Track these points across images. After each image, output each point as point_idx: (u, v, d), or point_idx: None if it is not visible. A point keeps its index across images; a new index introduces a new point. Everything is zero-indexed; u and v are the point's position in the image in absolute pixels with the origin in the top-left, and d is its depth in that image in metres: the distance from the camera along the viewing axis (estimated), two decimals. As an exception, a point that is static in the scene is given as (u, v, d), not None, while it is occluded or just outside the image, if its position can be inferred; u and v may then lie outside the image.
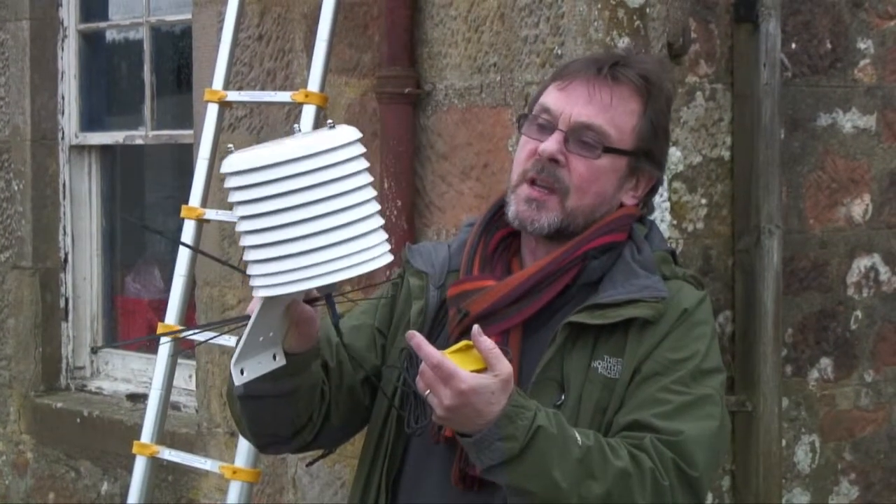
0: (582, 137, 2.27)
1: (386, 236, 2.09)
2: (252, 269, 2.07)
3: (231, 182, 2.04)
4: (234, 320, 2.27)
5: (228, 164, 2.03)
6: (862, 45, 4.04)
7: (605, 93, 2.29)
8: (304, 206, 2.00)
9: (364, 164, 2.05)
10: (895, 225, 4.14)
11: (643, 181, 2.35)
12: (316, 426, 2.33)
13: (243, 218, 2.04)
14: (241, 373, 2.13)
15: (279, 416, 2.27)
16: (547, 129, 2.30)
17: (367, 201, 2.05)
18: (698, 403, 2.19)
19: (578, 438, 2.10)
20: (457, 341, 2.17)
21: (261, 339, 2.13)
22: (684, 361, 2.21)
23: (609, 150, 2.28)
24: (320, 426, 2.34)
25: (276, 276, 2.03)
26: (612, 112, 2.29)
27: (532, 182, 2.28)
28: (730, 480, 3.77)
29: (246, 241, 2.05)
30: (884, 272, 4.12)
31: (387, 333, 2.40)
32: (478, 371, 2.06)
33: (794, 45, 3.88)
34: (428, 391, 2.06)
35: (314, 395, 2.29)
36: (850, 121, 4.03)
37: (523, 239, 2.37)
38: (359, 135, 2.06)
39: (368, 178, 2.06)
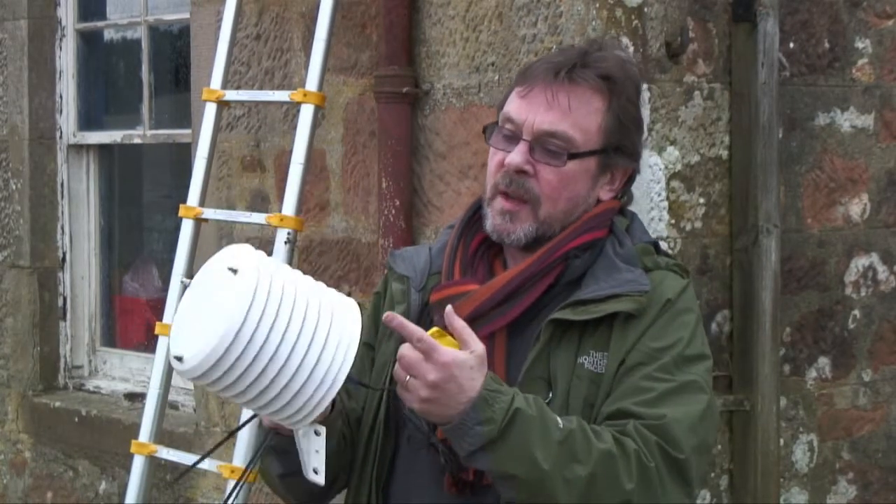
0: (546, 146, 2.26)
1: (344, 301, 2.11)
2: (270, 417, 2.12)
3: (197, 382, 2.06)
4: (242, 426, 2.33)
5: (184, 373, 2.04)
6: (860, 45, 4.04)
7: (563, 97, 2.27)
8: (273, 359, 2.01)
9: (281, 276, 2.05)
10: (893, 224, 4.14)
11: (618, 174, 2.35)
12: (346, 468, 2.37)
13: (233, 397, 2.06)
14: (316, 473, 2.16)
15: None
16: (512, 139, 2.29)
17: (311, 297, 2.06)
18: (682, 389, 2.18)
19: (560, 422, 2.10)
20: None
21: (301, 434, 2.17)
22: (667, 349, 2.21)
23: (574, 155, 2.27)
24: (348, 467, 2.38)
25: (295, 414, 2.07)
26: (573, 116, 2.27)
27: (504, 194, 2.28)
28: (728, 479, 3.77)
29: (248, 406, 2.09)
30: (882, 271, 4.13)
31: (374, 345, 2.40)
32: None
33: (792, 45, 3.88)
34: (408, 377, 2.06)
35: (341, 446, 2.32)
36: (848, 120, 4.03)
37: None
38: (258, 261, 2.05)
39: (294, 281, 2.07)
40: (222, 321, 2.00)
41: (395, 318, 2.09)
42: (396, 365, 2.09)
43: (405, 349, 2.07)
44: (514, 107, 2.30)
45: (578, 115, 2.27)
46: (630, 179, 2.38)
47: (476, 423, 2.05)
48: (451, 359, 2.05)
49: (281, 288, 2.04)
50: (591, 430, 2.12)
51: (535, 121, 2.27)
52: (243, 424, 2.35)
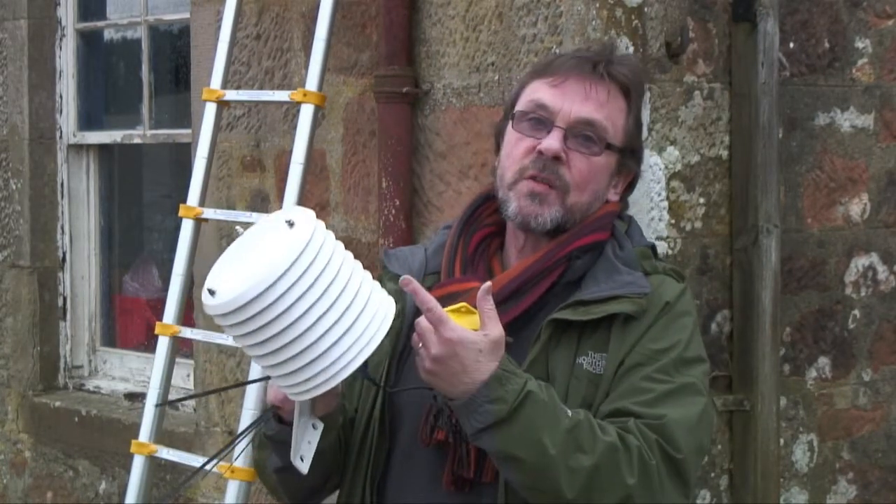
0: (584, 132, 2.29)
1: (383, 291, 2.10)
2: (278, 381, 2.09)
3: (222, 322, 2.03)
4: (238, 385, 2.30)
5: (213, 308, 2.02)
6: (860, 45, 4.04)
7: (601, 90, 2.30)
8: (304, 316, 1.99)
9: (332, 242, 2.05)
10: (893, 224, 4.14)
11: (623, 177, 2.38)
12: (340, 468, 2.37)
13: (249, 347, 2.03)
14: (302, 460, 2.16)
15: (315, 474, 2.28)
16: (543, 125, 2.30)
17: (354, 274, 2.05)
18: (680, 391, 2.20)
19: (568, 411, 2.11)
20: None
21: (301, 419, 2.17)
22: (666, 351, 2.22)
23: (609, 146, 2.30)
24: (341, 467, 2.38)
25: (304, 383, 2.05)
26: (608, 109, 2.30)
27: (532, 178, 2.29)
28: (728, 479, 3.77)
29: (261, 362, 2.06)
30: (882, 271, 4.13)
31: None
32: None
33: (791, 45, 3.88)
34: (420, 344, 2.07)
35: (338, 445, 2.33)
36: (848, 120, 4.03)
37: (509, 237, 2.37)
38: (316, 221, 2.05)
39: (343, 253, 2.06)
40: (267, 265, 1.98)
41: (410, 282, 2.09)
42: (414, 335, 2.10)
43: (421, 317, 2.08)
44: (548, 95, 2.31)
45: (611, 110, 2.31)
46: (632, 184, 2.41)
47: (487, 402, 2.06)
48: (458, 337, 2.05)
49: (331, 251, 2.03)
50: (597, 422, 2.13)
51: (571, 109, 2.28)
52: (248, 382, 2.32)
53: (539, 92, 2.32)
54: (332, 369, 2.04)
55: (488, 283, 2.11)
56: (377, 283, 2.12)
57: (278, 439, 2.26)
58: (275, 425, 2.26)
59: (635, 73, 2.36)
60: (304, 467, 2.17)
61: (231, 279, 2.02)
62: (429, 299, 2.07)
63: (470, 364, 2.06)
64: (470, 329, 2.08)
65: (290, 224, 2.03)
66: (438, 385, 2.10)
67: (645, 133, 3.56)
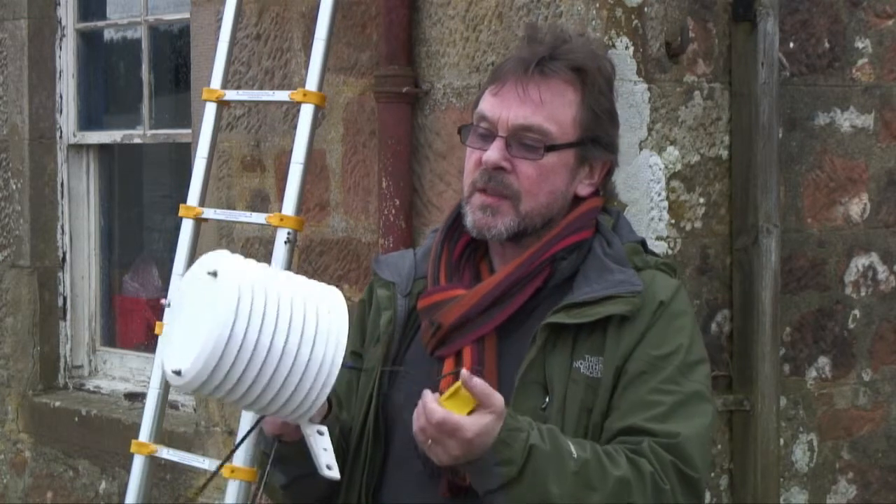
0: (522, 140, 2.27)
1: (333, 291, 2.12)
2: (275, 414, 2.12)
3: (199, 393, 2.07)
4: (249, 432, 2.34)
5: (183, 387, 2.04)
6: (860, 45, 4.04)
7: (534, 91, 2.27)
8: (269, 354, 2.02)
9: (262, 278, 2.06)
10: (893, 224, 4.14)
11: (597, 167, 2.34)
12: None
13: (237, 400, 2.06)
14: (329, 468, 2.17)
15: (321, 485, 2.29)
16: (487, 137, 2.29)
17: (295, 290, 2.07)
18: (690, 402, 2.19)
19: (574, 452, 2.10)
20: (432, 353, 2.23)
21: (307, 433, 2.18)
22: (669, 357, 2.21)
23: (551, 147, 2.27)
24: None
25: (300, 406, 2.08)
26: (547, 108, 2.27)
27: (483, 191, 2.28)
28: (728, 479, 3.77)
29: (253, 408, 2.10)
30: (882, 271, 4.13)
31: (362, 353, 2.40)
32: (473, 409, 2.08)
33: (791, 45, 3.88)
34: (430, 441, 2.07)
35: (340, 450, 2.33)
36: (848, 120, 4.03)
37: (490, 242, 2.36)
38: (233, 258, 2.06)
39: (272, 274, 2.08)
40: (213, 325, 2.00)
41: (426, 395, 2.08)
42: (415, 426, 2.09)
43: (424, 422, 2.07)
44: (488, 105, 2.31)
45: (552, 108, 2.27)
46: (609, 173, 2.37)
47: (495, 464, 2.07)
48: (474, 434, 2.05)
49: (263, 286, 2.04)
50: (606, 454, 2.13)
51: (508, 116, 2.27)
52: (249, 432, 2.35)
53: (484, 103, 2.32)
54: (318, 383, 2.06)
55: (466, 371, 2.09)
56: (314, 282, 2.12)
57: (278, 457, 2.27)
58: (279, 446, 2.27)
59: (584, 62, 2.29)
60: (335, 474, 2.17)
61: (187, 353, 2.03)
62: (436, 411, 2.05)
63: (488, 441, 2.07)
64: (471, 406, 2.07)
65: (214, 274, 2.04)
66: (457, 465, 2.11)
67: (645, 133, 3.56)
